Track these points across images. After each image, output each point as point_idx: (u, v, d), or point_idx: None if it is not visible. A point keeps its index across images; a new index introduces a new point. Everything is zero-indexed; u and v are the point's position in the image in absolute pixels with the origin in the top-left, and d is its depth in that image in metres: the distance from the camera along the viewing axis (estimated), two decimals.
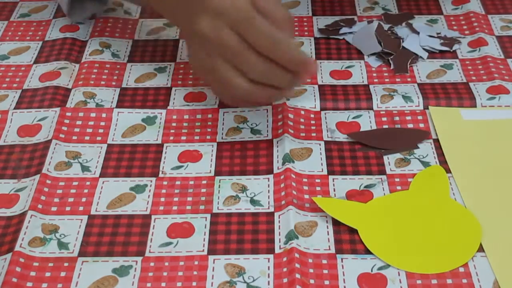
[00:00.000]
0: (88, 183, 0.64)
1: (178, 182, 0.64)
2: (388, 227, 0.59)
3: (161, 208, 0.62)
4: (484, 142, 0.67)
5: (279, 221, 0.60)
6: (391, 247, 0.58)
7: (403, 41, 0.80)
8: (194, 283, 0.56)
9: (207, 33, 0.64)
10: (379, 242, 0.58)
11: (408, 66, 0.77)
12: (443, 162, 0.66)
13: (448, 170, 0.64)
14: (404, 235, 0.59)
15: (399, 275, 0.56)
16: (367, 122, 0.70)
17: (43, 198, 0.62)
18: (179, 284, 0.55)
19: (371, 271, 0.56)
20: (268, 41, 0.63)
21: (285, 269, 0.56)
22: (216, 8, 0.63)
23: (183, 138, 0.69)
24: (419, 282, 0.55)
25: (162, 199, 0.63)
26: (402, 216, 0.60)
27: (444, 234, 0.59)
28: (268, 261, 0.57)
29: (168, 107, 0.73)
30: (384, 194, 0.63)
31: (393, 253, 0.57)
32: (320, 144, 0.68)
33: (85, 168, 0.66)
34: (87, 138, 0.69)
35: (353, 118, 0.71)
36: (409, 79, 0.76)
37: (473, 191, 0.62)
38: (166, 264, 0.57)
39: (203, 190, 0.63)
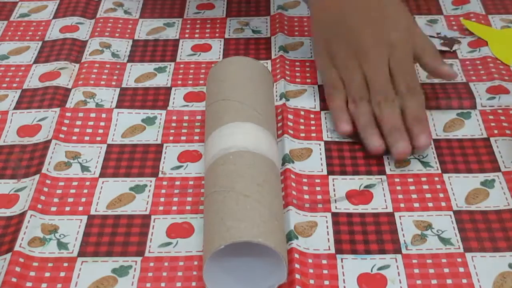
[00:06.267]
0: (87, 183, 0.64)
1: (177, 182, 0.64)
2: None
3: (161, 208, 0.62)
4: None
5: None
6: None
7: None
8: (193, 283, 0.55)
9: (367, 47, 0.68)
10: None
11: None
12: (442, 162, 0.66)
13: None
14: None
15: (399, 275, 0.56)
16: None
17: (42, 198, 0.62)
18: (178, 284, 0.55)
19: (371, 271, 0.56)
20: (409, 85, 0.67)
21: None
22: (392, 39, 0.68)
23: (183, 138, 0.69)
24: (419, 282, 0.55)
25: (162, 199, 0.63)
26: None
27: None
28: None
29: (168, 108, 0.72)
30: (384, 195, 0.63)
31: None
32: (320, 144, 0.68)
33: (84, 168, 0.66)
34: (86, 138, 0.69)
35: None
36: None
37: None
38: (166, 264, 0.57)
39: (203, 190, 0.63)
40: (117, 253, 0.58)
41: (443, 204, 0.62)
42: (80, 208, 0.62)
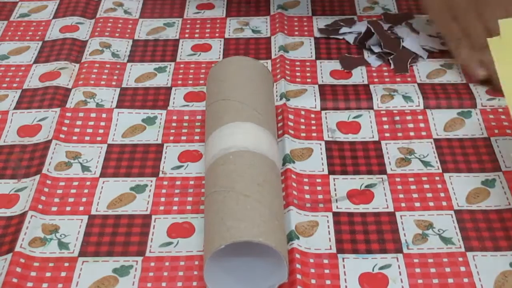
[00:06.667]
0: (88, 183, 0.64)
1: (178, 182, 0.64)
2: None
3: (162, 208, 0.62)
4: None
5: None
6: None
7: (403, 41, 0.80)
8: (194, 283, 0.55)
9: None
10: None
11: (408, 66, 0.77)
12: (443, 162, 0.66)
13: None
14: None
15: (400, 274, 0.56)
16: (367, 122, 0.70)
17: (43, 198, 0.62)
18: (179, 284, 0.55)
19: (372, 270, 0.56)
20: None
21: None
22: None
23: (183, 138, 0.69)
24: (420, 281, 0.55)
25: (163, 199, 0.63)
26: None
27: None
28: None
29: (168, 108, 0.72)
30: (385, 194, 0.63)
31: None
32: (320, 144, 0.68)
33: (85, 168, 0.66)
34: (87, 138, 0.69)
35: (354, 118, 0.71)
36: (409, 79, 0.76)
37: None
38: (167, 264, 0.57)
39: (203, 190, 0.63)
40: (118, 253, 0.58)
41: (444, 203, 0.62)
42: (81, 208, 0.62)
